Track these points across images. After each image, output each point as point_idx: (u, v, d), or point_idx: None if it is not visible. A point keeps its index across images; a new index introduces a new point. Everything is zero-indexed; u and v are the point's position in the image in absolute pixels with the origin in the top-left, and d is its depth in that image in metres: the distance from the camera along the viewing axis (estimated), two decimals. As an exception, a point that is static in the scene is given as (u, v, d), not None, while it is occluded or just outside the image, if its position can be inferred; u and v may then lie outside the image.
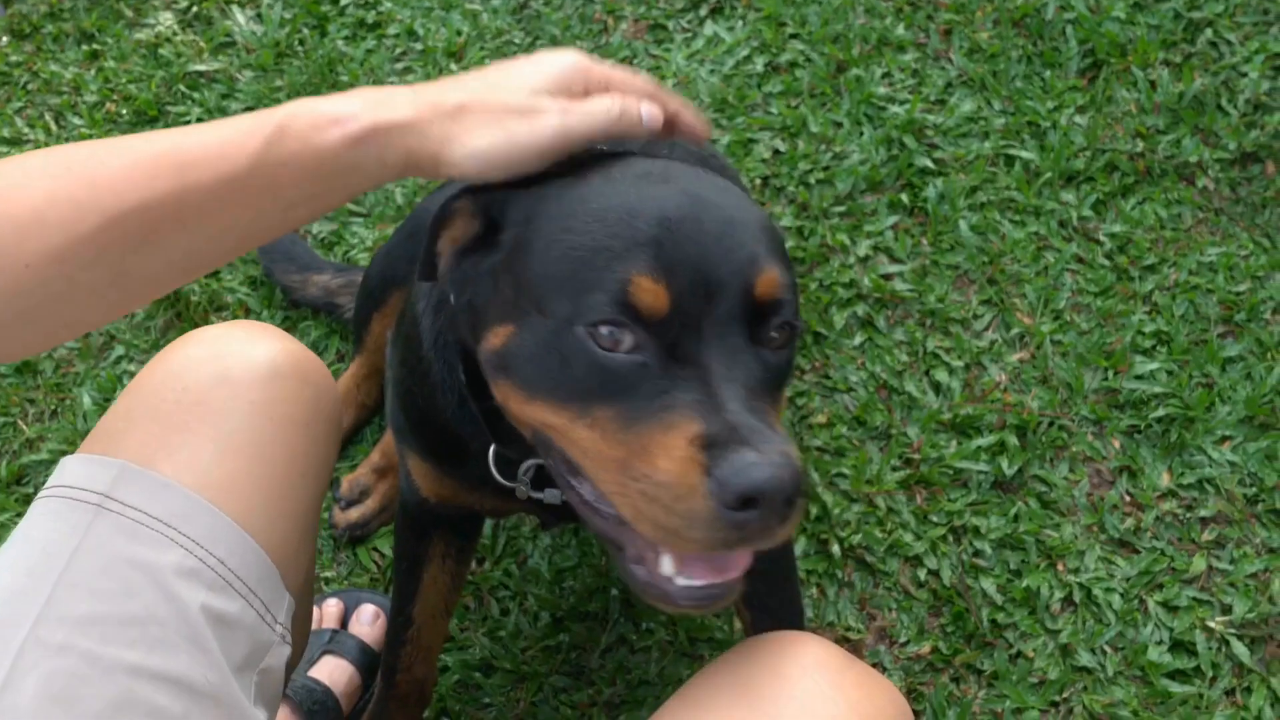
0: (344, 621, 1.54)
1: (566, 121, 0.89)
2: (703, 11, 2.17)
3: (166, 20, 2.21)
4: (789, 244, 1.86)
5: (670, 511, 0.77)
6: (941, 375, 1.74)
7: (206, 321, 1.82)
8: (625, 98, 0.93)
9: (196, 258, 0.87)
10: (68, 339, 0.89)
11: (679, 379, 0.80)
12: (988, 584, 1.56)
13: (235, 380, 0.99)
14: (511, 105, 0.89)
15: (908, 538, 1.60)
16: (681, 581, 0.82)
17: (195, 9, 2.22)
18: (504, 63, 0.94)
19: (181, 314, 1.83)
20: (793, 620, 1.30)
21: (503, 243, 0.90)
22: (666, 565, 0.82)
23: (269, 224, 0.88)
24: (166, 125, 2.06)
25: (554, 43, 2.13)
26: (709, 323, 0.82)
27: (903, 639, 1.53)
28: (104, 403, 1.75)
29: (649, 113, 0.94)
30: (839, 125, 2.00)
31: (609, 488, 0.82)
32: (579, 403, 0.82)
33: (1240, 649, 1.49)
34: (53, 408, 1.76)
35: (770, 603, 1.29)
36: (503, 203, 0.91)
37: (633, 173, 0.90)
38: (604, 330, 0.81)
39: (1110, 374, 1.73)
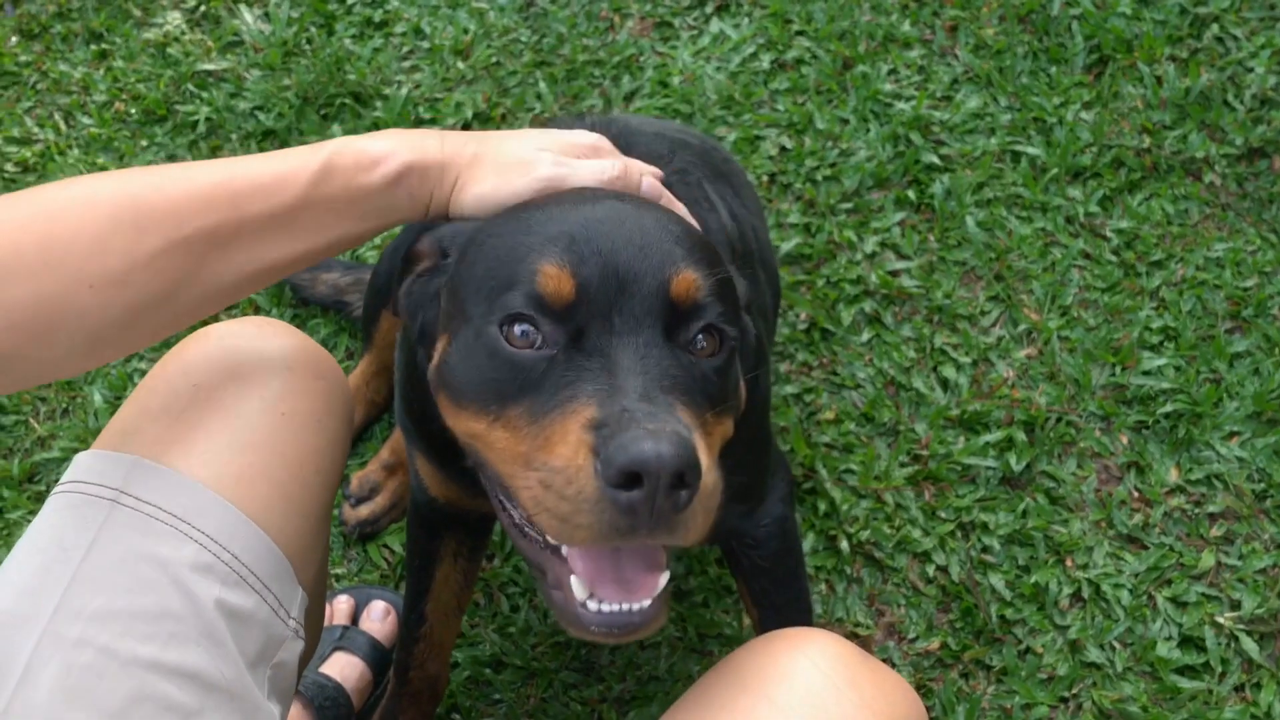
0: (354, 618, 1.54)
1: (558, 172, 0.95)
2: (709, 9, 2.17)
3: (174, 20, 2.21)
4: (795, 240, 1.86)
5: (562, 497, 0.76)
6: (949, 371, 1.74)
7: (217, 319, 1.83)
8: (631, 162, 0.99)
9: (238, 285, 0.92)
10: (113, 359, 0.91)
11: (585, 370, 0.81)
12: (996, 580, 1.56)
13: (248, 376, 0.99)
14: (515, 159, 0.96)
15: (916, 534, 1.60)
16: (593, 606, 0.81)
17: (203, 8, 2.23)
18: (531, 129, 1.03)
19: (191, 312, 1.84)
20: (801, 617, 1.30)
21: (447, 265, 0.95)
22: (578, 588, 0.81)
23: (309, 254, 0.94)
24: (175, 124, 2.06)
25: (560, 41, 2.14)
26: (620, 317, 0.83)
27: (911, 635, 1.54)
28: (115, 401, 1.75)
29: (651, 184, 0.99)
30: (845, 122, 2.00)
31: (515, 483, 0.82)
32: (496, 405, 0.84)
33: (1249, 645, 1.50)
34: (64, 406, 1.77)
35: (778, 599, 1.29)
36: (453, 234, 0.96)
37: (572, 194, 0.94)
38: (517, 329, 0.83)
39: (1118, 370, 1.73)
